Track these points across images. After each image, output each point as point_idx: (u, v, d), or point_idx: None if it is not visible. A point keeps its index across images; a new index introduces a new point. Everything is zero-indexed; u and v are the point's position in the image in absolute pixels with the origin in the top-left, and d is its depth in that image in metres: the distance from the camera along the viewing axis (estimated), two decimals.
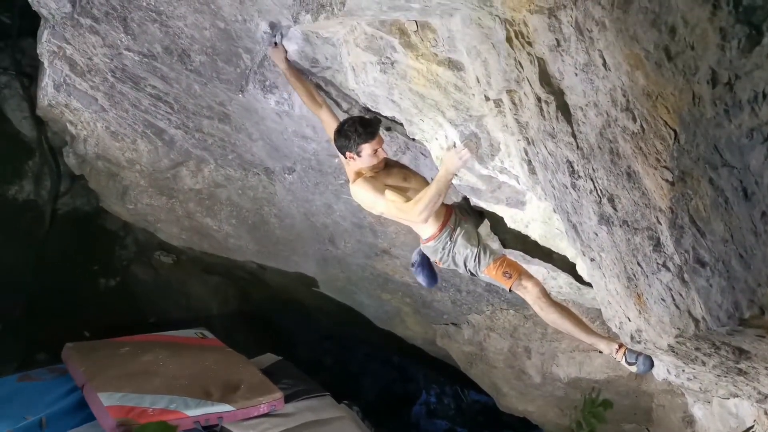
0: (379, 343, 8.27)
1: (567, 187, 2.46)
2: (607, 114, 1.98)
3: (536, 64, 2.27)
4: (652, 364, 3.16)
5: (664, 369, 3.16)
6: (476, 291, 5.43)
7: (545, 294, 3.40)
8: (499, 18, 2.35)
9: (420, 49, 2.87)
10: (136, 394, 4.62)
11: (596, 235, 2.41)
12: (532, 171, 2.90)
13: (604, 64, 1.88)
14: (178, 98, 4.62)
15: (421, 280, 3.90)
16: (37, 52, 4.64)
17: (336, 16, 2.63)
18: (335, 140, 3.30)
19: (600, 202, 2.23)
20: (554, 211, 3.00)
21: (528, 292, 3.38)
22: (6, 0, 6.20)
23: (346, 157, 3.29)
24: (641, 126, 1.82)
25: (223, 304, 8.11)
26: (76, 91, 4.74)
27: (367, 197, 3.33)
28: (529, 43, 2.26)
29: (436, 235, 3.47)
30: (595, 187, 2.23)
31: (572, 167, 2.34)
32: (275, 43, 3.72)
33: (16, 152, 6.67)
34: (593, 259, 2.59)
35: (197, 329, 6.31)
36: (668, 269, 1.98)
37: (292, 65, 3.74)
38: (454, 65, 2.88)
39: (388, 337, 7.25)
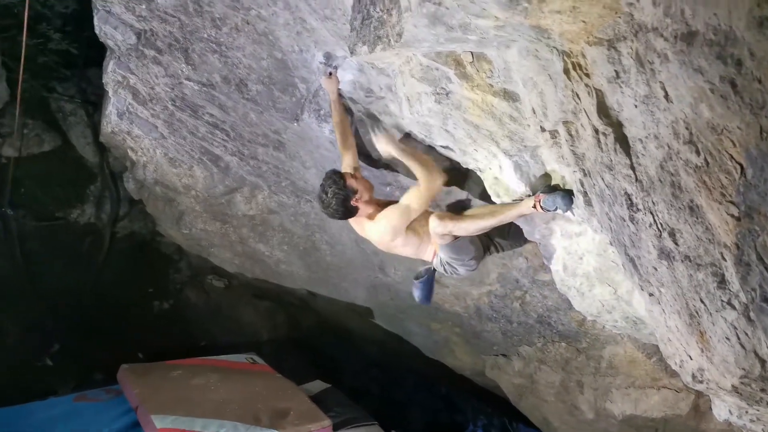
0: (427, 373, 8.19)
1: (625, 220, 2.41)
2: (669, 146, 1.94)
3: (594, 95, 2.24)
4: (571, 200, 3.01)
5: (725, 409, 3.03)
6: (527, 322, 5.35)
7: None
8: (557, 50, 2.34)
9: (475, 80, 2.87)
10: (187, 418, 4.68)
11: (656, 269, 2.34)
12: (588, 203, 2.85)
13: (666, 96, 1.84)
14: (235, 126, 4.72)
15: (416, 294, 3.95)
16: (103, 81, 4.81)
17: (392, 47, 2.65)
18: (336, 214, 3.57)
19: (660, 236, 2.17)
20: (610, 244, 2.94)
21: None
22: (74, 32, 6.46)
23: (354, 208, 3.53)
24: (705, 159, 1.78)
25: (272, 330, 8.17)
26: (137, 119, 4.90)
27: (398, 220, 3.50)
28: (587, 75, 2.24)
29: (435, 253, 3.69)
30: (654, 220, 2.17)
31: (631, 200, 2.30)
32: (330, 74, 3.78)
33: (80, 177, 6.91)
34: (652, 294, 2.52)
35: (247, 354, 6.36)
36: (733, 307, 1.92)
37: (341, 99, 3.82)
38: (509, 96, 2.87)
39: (437, 367, 7.17)
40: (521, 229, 3.97)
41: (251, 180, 5.22)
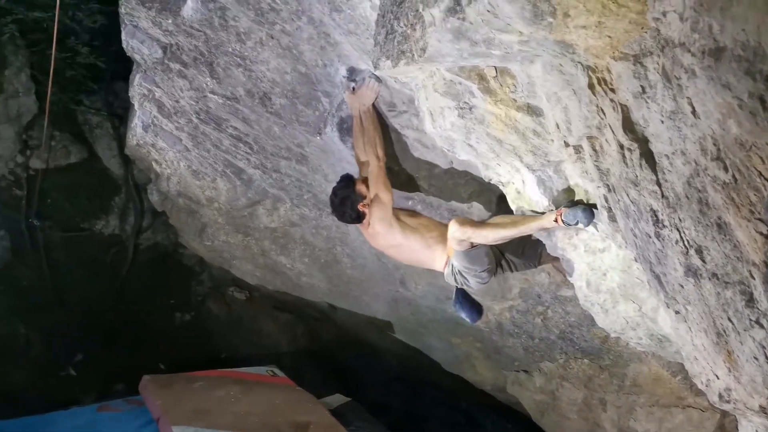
0: (447, 388, 8.13)
1: (650, 237, 2.39)
2: (696, 163, 1.92)
3: (619, 110, 2.23)
4: (592, 214, 2.99)
5: (752, 430, 2.97)
6: (549, 338, 5.30)
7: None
8: (582, 64, 2.33)
9: (499, 95, 2.87)
10: (208, 430, 4.68)
11: (682, 287, 2.31)
12: (613, 218, 2.83)
13: (693, 111, 1.83)
14: (258, 139, 4.76)
15: (464, 315, 3.95)
16: (129, 94, 4.87)
17: (416, 62, 2.66)
18: (342, 217, 3.89)
19: (687, 253, 2.15)
20: (635, 260, 2.91)
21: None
22: (102, 46, 6.57)
23: (361, 213, 3.77)
24: (733, 176, 1.75)
25: (292, 342, 8.18)
26: (162, 132, 4.95)
27: (377, 210, 3.77)
28: (612, 90, 2.23)
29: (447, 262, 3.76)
30: (681, 237, 2.15)
31: (656, 216, 2.27)
32: (353, 89, 3.80)
33: (105, 189, 7.01)
34: (678, 312, 2.49)
35: (268, 367, 6.37)
36: (762, 326, 1.88)
37: (366, 113, 3.86)
38: (533, 111, 2.86)
39: (457, 382, 7.13)
40: (536, 250, 3.96)
41: (274, 193, 5.25)
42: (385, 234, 3.84)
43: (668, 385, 4.59)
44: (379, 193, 3.75)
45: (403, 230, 3.81)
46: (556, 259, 3.95)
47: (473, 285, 3.79)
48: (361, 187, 3.80)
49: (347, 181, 3.84)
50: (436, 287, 5.48)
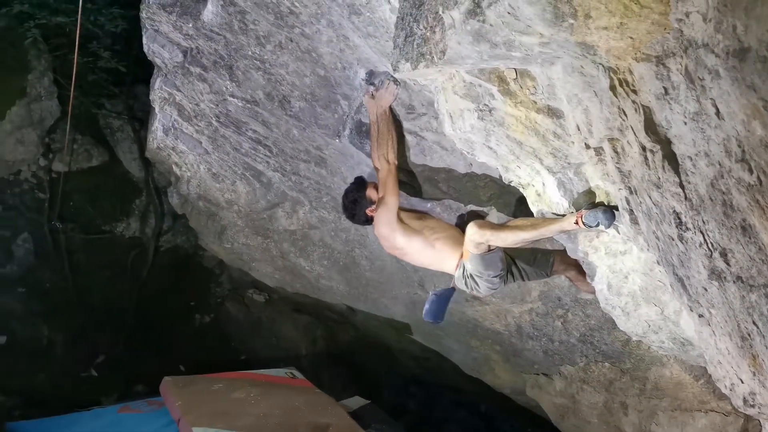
0: (466, 390, 8.11)
1: (673, 239, 2.36)
2: (720, 164, 1.89)
3: (641, 112, 2.21)
4: (613, 215, 2.95)
5: None
6: (569, 341, 5.26)
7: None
8: (603, 66, 2.31)
9: (519, 97, 2.86)
10: (228, 431, 4.71)
11: (705, 290, 2.29)
12: (634, 221, 2.80)
13: (717, 113, 1.81)
14: (277, 142, 4.78)
15: (426, 307, 4.04)
16: (150, 98, 4.92)
17: (436, 64, 2.65)
18: (350, 218, 4.03)
19: (711, 256, 2.12)
20: (657, 263, 2.88)
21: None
22: (123, 50, 6.64)
23: (368, 217, 3.90)
24: (758, 178, 1.73)
25: (311, 344, 8.21)
26: (182, 135, 4.99)
27: (381, 213, 3.81)
28: (634, 92, 2.21)
29: (458, 264, 3.74)
30: (705, 240, 2.12)
31: (679, 219, 2.25)
32: (372, 94, 3.81)
33: (125, 192, 7.08)
34: (702, 315, 2.46)
35: (287, 369, 6.39)
36: None
37: (383, 116, 3.87)
38: (553, 113, 2.84)
39: (476, 385, 7.10)
40: (548, 258, 3.93)
41: (293, 195, 5.27)
42: (387, 236, 3.88)
43: (690, 389, 4.53)
44: (385, 196, 3.78)
45: (405, 232, 3.82)
46: (570, 269, 3.91)
47: (483, 290, 3.76)
48: (371, 192, 3.91)
49: (359, 184, 3.99)
50: (457, 290, 5.47)
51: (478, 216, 4.23)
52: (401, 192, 4.11)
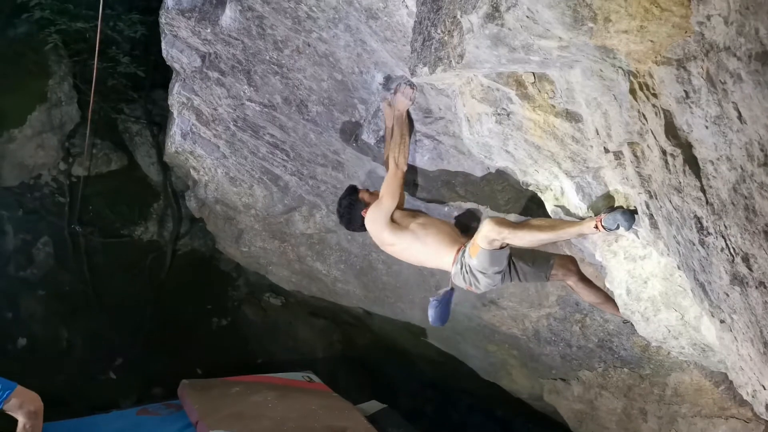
0: (482, 395, 8.07)
1: (694, 244, 2.34)
2: (742, 169, 1.87)
3: (662, 116, 2.19)
4: (633, 218, 2.90)
5: None
6: (588, 346, 5.22)
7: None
8: (622, 70, 2.30)
9: (537, 101, 2.84)
10: None
11: (727, 295, 2.26)
12: (654, 225, 2.78)
13: (740, 116, 1.79)
14: (295, 146, 4.79)
15: (430, 313, 3.91)
16: (168, 103, 4.96)
17: (453, 68, 2.65)
18: (344, 222, 4.07)
19: (733, 261, 2.09)
20: (678, 268, 2.85)
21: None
22: (142, 55, 6.70)
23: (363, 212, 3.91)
24: None
25: (328, 348, 8.21)
26: (200, 139, 5.02)
27: (374, 212, 3.84)
28: (655, 95, 2.19)
29: (455, 260, 3.68)
30: (727, 245, 2.10)
31: (700, 223, 2.23)
32: (389, 102, 3.81)
33: (144, 195, 7.14)
34: (723, 321, 2.43)
35: (304, 372, 6.40)
36: None
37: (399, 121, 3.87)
38: (571, 117, 2.83)
39: (493, 389, 7.06)
40: (548, 261, 3.87)
41: (310, 199, 5.28)
42: (376, 234, 3.89)
43: (711, 395, 4.48)
44: (383, 198, 3.76)
45: (393, 229, 3.79)
46: (570, 275, 3.84)
47: (483, 287, 3.67)
48: (364, 195, 3.98)
49: (352, 190, 4.05)
50: (473, 294, 5.44)
51: (474, 217, 4.23)
52: (415, 197, 4.12)
